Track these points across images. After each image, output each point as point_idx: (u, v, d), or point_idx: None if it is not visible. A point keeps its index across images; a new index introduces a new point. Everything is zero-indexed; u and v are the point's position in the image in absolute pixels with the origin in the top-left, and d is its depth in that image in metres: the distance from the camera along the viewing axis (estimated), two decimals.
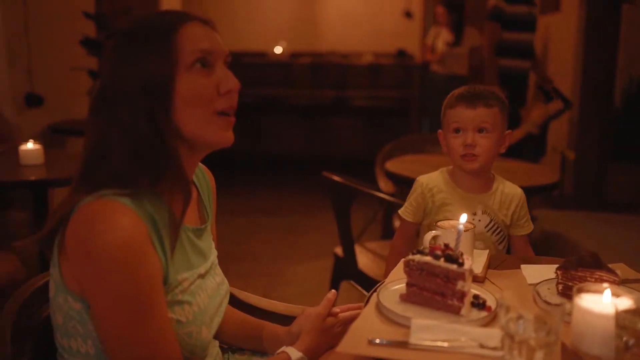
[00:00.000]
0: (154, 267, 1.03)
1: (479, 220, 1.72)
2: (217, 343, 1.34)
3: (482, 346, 1.05)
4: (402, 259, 1.22)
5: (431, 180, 1.80)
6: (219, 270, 1.30)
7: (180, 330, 1.09)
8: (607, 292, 1.04)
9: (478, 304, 1.19)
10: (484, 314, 1.16)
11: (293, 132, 6.36)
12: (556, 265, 1.30)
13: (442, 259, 1.17)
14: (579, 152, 3.70)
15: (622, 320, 0.94)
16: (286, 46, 6.75)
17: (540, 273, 1.37)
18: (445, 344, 1.05)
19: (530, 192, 2.61)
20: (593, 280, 1.20)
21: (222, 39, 1.17)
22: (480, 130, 1.69)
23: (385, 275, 1.90)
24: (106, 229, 0.98)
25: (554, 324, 0.96)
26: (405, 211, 1.82)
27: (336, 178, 2.46)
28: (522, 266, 1.44)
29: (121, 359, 1.02)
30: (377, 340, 1.07)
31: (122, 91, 1.08)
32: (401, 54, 6.75)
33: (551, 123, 4.11)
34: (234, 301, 1.55)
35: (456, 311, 1.16)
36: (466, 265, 1.16)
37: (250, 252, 4.23)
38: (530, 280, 1.36)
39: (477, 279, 1.35)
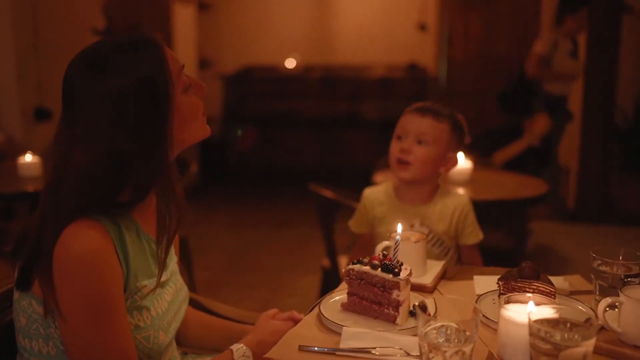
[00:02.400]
0: (116, 275, 1.10)
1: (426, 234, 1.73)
2: (175, 348, 1.38)
3: (407, 354, 1.07)
4: (343, 269, 1.25)
5: (373, 193, 1.82)
6: (178, 276, 1.36)
7: (139, 335, 1.15)
8: (530, 303, 1.05)
9: (415, 313, 1.21)
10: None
11: (306, 146, 6.41)
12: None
13: (379, 269, 1.19)
14: (582, 164, 3.67)
15: (537, 330, 0.95)
16: (299, 59, 6.81)
17: (489, 284, 1.37)
18: (373, 351, 1.07)
19: (517, 205, 2.62)
20: (531, 290, 1.21)
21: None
22: (420, 142, 1.70)
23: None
24: (73, 238, 1.05)
25: (471, 332, 0.98)
26: (353, 223, 1.85)
27: (322, 191, 2.50)
28: (475, 277, 1.45)
29: (82, 359, 1.08)
30: (308, 348, 1.10)
31: (111, 114, 1.09)
32: (412, 67, 6.74)
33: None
34: (201, 309, 1.59)
35: (392, 320, 1.19)
36: (402, 275, 1.18)
37: (255, 263, 4.27)
38: (479, 290, 1.37)
39: (425, 290, 1.37)
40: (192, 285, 3.25)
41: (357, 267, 1.22)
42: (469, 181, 2.60)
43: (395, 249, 1.22)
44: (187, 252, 3.24)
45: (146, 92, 1.10)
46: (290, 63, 6.68)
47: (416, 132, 1.70)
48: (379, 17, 7.05)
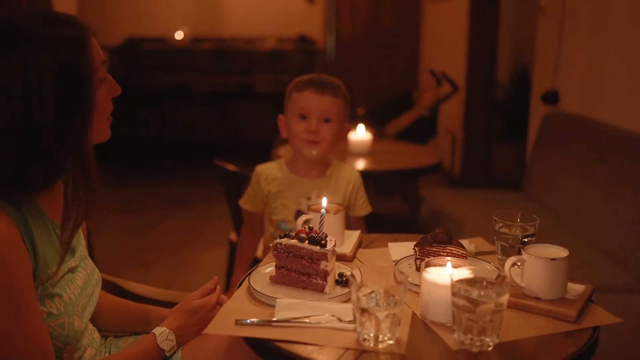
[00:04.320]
0: (24, 264, 1.07)
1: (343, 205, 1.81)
2: (95, 331, 1.36)
3: (340, 320, 1.13)
4: (271, 243, 1.29)
5: (267, 169, 1.86)
6: (89, 261, 1.34)
7: (52, 322, 1.13)
8: (448, 265, 1.15)
9: (342, 281, 1.28)
10: (345, 290, 1.25)
11: (198, 120, 6.30)
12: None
13: (306, 242, 1.25)
14: (467, 133, 3.92)
15: (458, 289, 1.05)
16: (187, 31, 6.64)
17: (403, 250, 1.47)
18: (307, 320, 1.13)
19: (415, 173, 2.77)
20: (445, 254, 1.32)
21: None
22: (325, 120, 1.77)
23: (236, 269, 1.97)
24: None
25: (400, 296, 1.06)
26: (244, 201, 1.87)
27: (227, 166, 2.50)
28: (389, 244, 1.54)
29: None
30: (244, 321, 1.14)
31: (28, 92, 1.05)
32: (302, 39, 6.80)
33: (442, 106, 4.32)
34: (118, 291, 1.57)
35: (320, 289, 1.25)
36: (329, 246, 1.24)
37: (154, 242, 4.19)
38: (395, 257, 1.46)
39: (346, 259, 1.44)
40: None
41: (284, 240, 1.26)
42: (369, 152, 2.71)
43: (320, 221, 1.28)
44: (87, 231, 3.13)
45: (69, 71, 1.09)
46: (179, 35, 6.50)
47: (319, 111, 1.75)
48: None
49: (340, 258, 1.43)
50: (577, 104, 3.08)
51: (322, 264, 1.23)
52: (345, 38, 7.02)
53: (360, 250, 1.53)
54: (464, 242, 1.52)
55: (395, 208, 3.67)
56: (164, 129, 6.29)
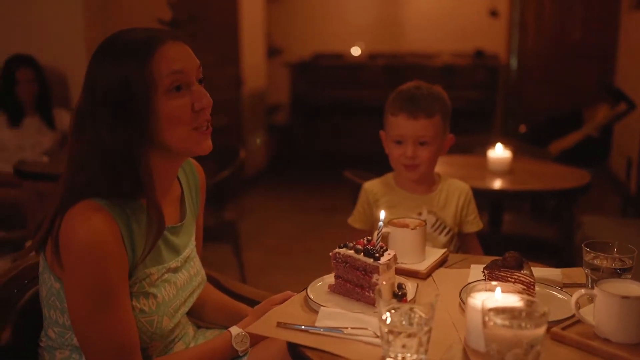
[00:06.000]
0: (120, 262, 1.16)
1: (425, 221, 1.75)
2: (189, 325, 1.45)
3: (376, 335, 1.11)
4: (330, 252, 1.30)
5: (375, 186, 1.84)
6: (195, 261, 1.41)
7: (143, 318, 1.22)
8: (497, 291, 1.07)
9: (398, 295, 1.25)
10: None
11: (369, 133, 6.41)
12: None
13: (362, 253, 1.24)
14: None
15: (487, 318, 0.97)
16: (364, 47, 6.81)
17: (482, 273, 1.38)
18: (344, 331, 1.13)
19: (552, 196, 2.56)
20: (512, 280, 1.22)
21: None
22: (421, 143, 1.71)
23: None
24: (81, 226, 1.12)
25: (428, 316, 1.01)
26: (353, 219, 1.85)
27: (357, 179, 2.53)
28: (472, 266, 1.46)
29: (84, 338, 1.17)
30: (285, 324, 1.16)
31: (98, 109, 1.16)
32: (478, 54, 6.59)
33: (616, 126, 3.91)
34: (216, 287, 1.68)
35: (372, 302, 1.23)
36: (382, 260, 1.22)
37: (304, 247, 4.35)
38: (472, 279, 1.38)
39: (419, 276, 1.40)
40: (239, 268, 3.38)
41: (342, 250, 1.27)
42: (508, 171, 2.57)
43: (378, 234, 1.26)
44: (235, 234, 3.37)
45: (123, 91, 1.14)
46: (356, 51, 6.70)
47: (414, 136, 1.72)
48: (448, 3, 6.93)
49: (413, 275, 1.40)
50: None
51: (374, 277, 1.22)
52: (530, 52, 6.67)
53: (441, 270, 1.47)
54: (555, 270, 1.40)
55: (552, 234, 3.41)
56: (337, 140, 6.52)
